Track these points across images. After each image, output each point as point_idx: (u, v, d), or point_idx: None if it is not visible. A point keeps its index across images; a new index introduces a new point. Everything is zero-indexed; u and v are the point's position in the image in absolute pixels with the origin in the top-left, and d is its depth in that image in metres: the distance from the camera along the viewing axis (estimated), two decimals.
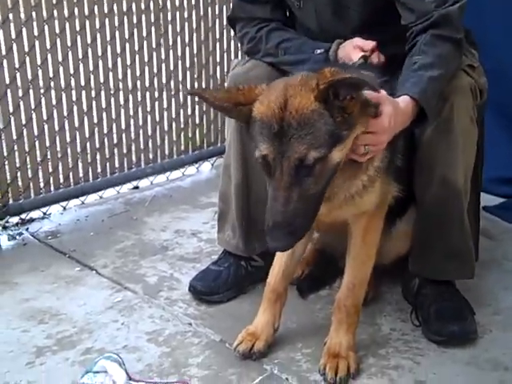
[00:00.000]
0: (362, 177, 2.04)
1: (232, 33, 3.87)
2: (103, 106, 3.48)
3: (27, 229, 3.19)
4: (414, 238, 2.41)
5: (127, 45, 3.49)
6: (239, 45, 2.67)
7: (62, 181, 3.40)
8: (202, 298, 2.58)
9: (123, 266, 2.86)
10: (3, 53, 3.08)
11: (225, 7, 3.82)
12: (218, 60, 3.86)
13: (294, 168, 1.79)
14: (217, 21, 3.81)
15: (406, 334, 2.37)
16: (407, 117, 2.03)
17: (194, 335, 2.39)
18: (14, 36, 3.08)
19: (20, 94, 3.17)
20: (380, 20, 2.28)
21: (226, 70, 3.89)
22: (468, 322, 2.33)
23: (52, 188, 3.37)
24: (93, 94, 3.43)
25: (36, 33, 3.16)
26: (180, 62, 3.72)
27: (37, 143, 3.27)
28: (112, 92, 3.51)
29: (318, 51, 2.32)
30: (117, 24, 3.44)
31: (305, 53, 2.35)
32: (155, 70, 3.63)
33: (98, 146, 3.50)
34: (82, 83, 3.37)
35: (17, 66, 3.13)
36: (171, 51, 3.67)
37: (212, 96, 1.95)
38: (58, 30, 3.22)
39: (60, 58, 3.27)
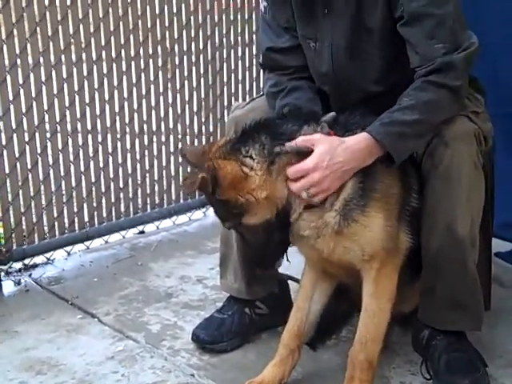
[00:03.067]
0: (329, 213, 2.04)
1: (240, 77, 3.89)
2: (109, 150, 3.46)
3: (30, 274, 3.15)
4: (421, 285, 2.33)
5: (134, 89, 3.49)
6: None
7: (66, 225, 3.37)
8: (205, 347, 2.51)
9: (126, 313, 2.80)
10: (10, 98, 3.08)
11: (232, 51, 3.83)
12: (225, 104, 3.84)
13: None
14: (224, 65, 3.81)
15: None
16: (361, 153, 2.03)
17: None
18: (21, 81, 3.09)
19: (26, 138, 3.16)
20: (398, 66, 2.24)
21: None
22: (480, 374, 2.23)
23: (57, 233, 3.34)
24: (99, 138, 3.43)
25: (43, 78, 3.16)
26: (187, 105, 3.71)
27: (42, 187, 3.25)
28: (119, 136, 3.49)
29: None
30: (124, 68, 3.45)
31: None
32: (162, 114, 3.62)
33: (103, 190, 3.47)
34: (89, 127, 3.36)
35: (24, 110, 3.13)
36: (178, 95, 3.67)
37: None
38: (65, 75, 3.23)
39: (67, 103, 3.27)
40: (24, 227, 3.23)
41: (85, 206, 3.42)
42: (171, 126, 3.67)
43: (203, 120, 3.78)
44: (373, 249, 2.09)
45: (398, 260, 2.15)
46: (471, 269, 2.25)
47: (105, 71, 3.37)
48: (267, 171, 2.01)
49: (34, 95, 3.14)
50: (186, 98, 3.70)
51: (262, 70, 2.59)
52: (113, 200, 3.52)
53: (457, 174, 2.15)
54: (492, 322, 2.47)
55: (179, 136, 3.71)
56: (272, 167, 2.01)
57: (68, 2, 3.16)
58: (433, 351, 2.31)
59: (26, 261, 3.23)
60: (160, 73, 3.56)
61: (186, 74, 3.67)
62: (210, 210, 3.80)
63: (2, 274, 3.11)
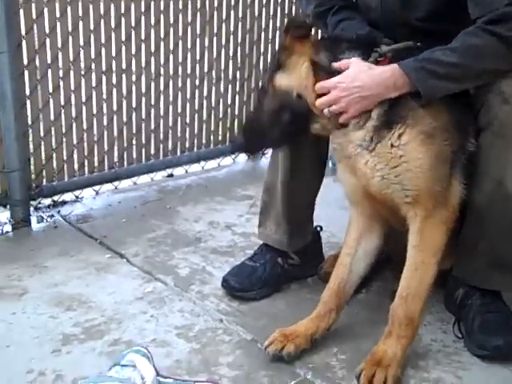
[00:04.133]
0: (358, 132, 2.07)
1: (278, 23, 3.80)
2: (143, 90, 3.41)
3: (59, 211, 3.15)
4: (461, 240, 2.28)
5: (171, 30, 3.42)
6: (302, 10, 2.57)
7: (96, 164, 3.34)
8: (235, 294, 2.49)
9: (155, 255, 2.79)
10: (47, 31, 3.02)
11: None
12: (261, 50, 3.78)
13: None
14: (263, 10, 3.72)
15: (448, 346, 2.26)
16: (384, 82, 2.03)
17: (224, 332, 2.30)
18: (58, 15, 3.03)
19: (61, 74, 3.11)
20: (446, 11, 2.17)
21: (268, 60, 3.80)
22: None
23: (86, 171, 3.32)
24: (133, 77, 3.37)
25: (80, 13, 3.10)
26: (223, 50, 3.64)
27: (74, 125, 3.21)
28: (153, 77, 3.44)
29: None
30: (162, 8, 3.37)
31: None
32: (197, 57, 3.55)
33: (134, 131, 3.44)
34: (124, 66, 3.31)
35: (59, 46, 3.07)
36: (215, 39, 3.59)
37: None
38: (102, 12, 3.16)
39: (103, 40, 3.21)
40: (54, 164, 3.21)
41: (115, 146, 3.39)
42: (206, 70, 3.61)
43: (238, 66, 3.71)
44: (414, 187, 2.03)
45: (448, 212, 2.09)
46: None
47: (142, 10, 3.29)
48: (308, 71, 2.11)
49: (70, 30, 3.08)
50: (223, 43, 3.62)
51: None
52: (143, 142, 3.49)
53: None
54: None
55: (213, 81, 3.65)
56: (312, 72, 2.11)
57: None
58: (467, 311, 2.28)
59: (55, 198, 3.22)
60: (198, 15, 3.49)
61: (223, 17, 3.59)
62: (240, 157, 3.83)
63: (32, 209, 3.10)
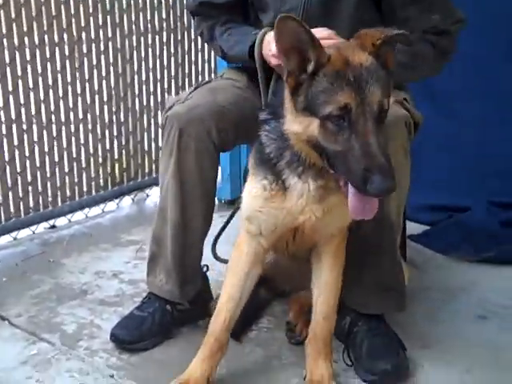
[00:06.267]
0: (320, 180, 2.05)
1: (150, 64, 3.79)
2: (15, 142, 3.30)
3: None
4: (347, 269, 2.34)
5: (40, 79, 3.33)
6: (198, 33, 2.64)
7: None
8: (126, 347, 2.43)
9: (39, 314, 2.68)
10: None
11: (142, 39, 3.72)
12: (136, 93, 3.75)
13: (377, 113, 1.80)
14: (134, 53, 3.69)
15: (338, 376, 2.29)
16: None
17: None
18: None
19: None
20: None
21: (144, 102, 3.80)
22: (400, 358, 2.29)
23: None
24: (3, 129, 3.25)
25: None
26: (97, 96, 3.58)
27: None
28: (25, 128, 3.33)
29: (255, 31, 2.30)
30: (48, 56, 3.31)
31: (246, 34, 2.33)
32: (71, 105, 3.48)
33: (10, 184, 3.31)
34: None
35: None
36: (87, 84, 3.53)
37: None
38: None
39: None
40: None
41: None
42: (81, 116, 3.54)
43: (114, 110, 3.67)
44: (341, 225, 2.15)
45: (346, 234, 2.23)
46: (397, 251, 2.32)
47: (28, 58, 3.20)
48: None
49: None
50: (96, 88, 3.57)
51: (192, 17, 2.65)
52: (21, 195, 3.36)
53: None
54: (407, 303, 2.50)
55: (89, 126, 3.58)
56: None
57: None
58: (354, 337, 2.35)
59: None
60: (67, 62, 3.42)
61: (94, 62, 3.54)
62: (124, 201, 3.77)
63: None
